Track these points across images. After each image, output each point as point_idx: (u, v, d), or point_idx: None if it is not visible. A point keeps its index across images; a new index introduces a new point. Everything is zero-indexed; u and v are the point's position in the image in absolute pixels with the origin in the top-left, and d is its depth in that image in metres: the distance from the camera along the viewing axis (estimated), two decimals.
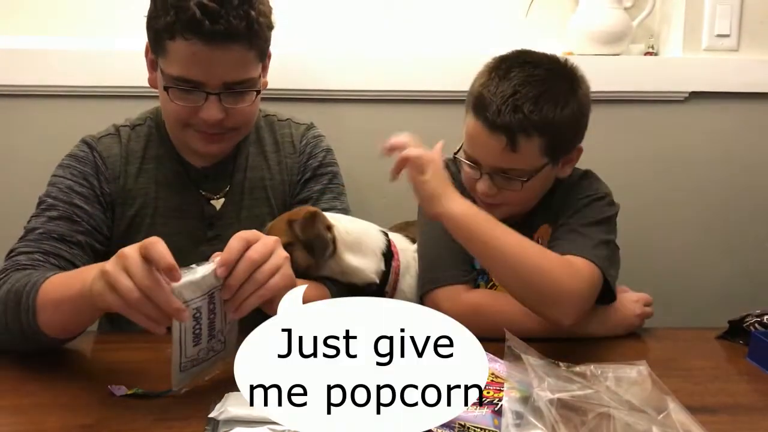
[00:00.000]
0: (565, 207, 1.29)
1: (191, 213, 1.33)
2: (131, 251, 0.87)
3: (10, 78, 1.69)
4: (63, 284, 1.02)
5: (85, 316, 1.04)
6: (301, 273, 1.19)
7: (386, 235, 1.35)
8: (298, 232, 1.21)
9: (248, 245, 0.93)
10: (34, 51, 1.68)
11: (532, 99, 1.17)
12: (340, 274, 1.27)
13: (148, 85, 1.63)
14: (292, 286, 0.89)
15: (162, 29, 1.19)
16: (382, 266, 1.30)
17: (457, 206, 1.12)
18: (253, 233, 0.95)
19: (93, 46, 1.72)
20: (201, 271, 0.90)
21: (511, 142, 1.17)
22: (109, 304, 0.89)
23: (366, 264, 1.28)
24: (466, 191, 1.33)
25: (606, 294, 1.21)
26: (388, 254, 1.32)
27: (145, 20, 1.25)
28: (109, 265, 0.88)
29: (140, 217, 1.32)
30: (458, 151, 1.28)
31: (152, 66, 1.29)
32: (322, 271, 1.25)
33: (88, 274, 0.94)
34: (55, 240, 1.19)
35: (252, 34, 1.19)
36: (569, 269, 1.13)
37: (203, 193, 1.34)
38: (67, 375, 1.05)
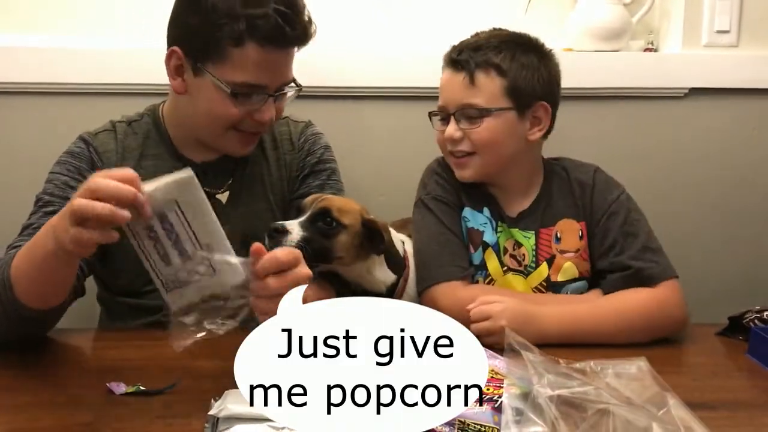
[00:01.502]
0: (595, 205, 1.33)
1: None
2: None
3: (10, 75, 1.68)
4: (28, 248, 1.04)
5: (56, 267, 1.02)
6: (325, 256, 1.19)
7: (402, 243, 1.35)
8: (386, 239, 1.21)
9: (280, 268, 0.93)
10: (34, 49, 1.67)
11: (494, 45, 1.29)
12: (357, 277, 1.26)
13: (148, 82, 1.64)
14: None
15: (226, 36, 1.17)
16: (394, 276, 1.29)
17: (547, 324, 1.17)
18: (294, 259, 0.95)
19: (93, 43, 1.71)
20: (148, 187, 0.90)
21: (470, 74, 1.28)
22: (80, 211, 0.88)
23: (386, 276, 1.28)
24: (454, 188, 1.36)
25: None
26: (403, 264, 1.31)
27: (174, 25, 1.25)
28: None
29: None
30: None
31: (177, 71, 1.26)
32: (346, 269, 1.25)
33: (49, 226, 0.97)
34: None
35: (312, 35, 1.25)
36: (655, 301, 1.22)
37: (207, 189, 1.33)
38: (65, 373, 1.05)
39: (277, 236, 1.14)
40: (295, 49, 1.26)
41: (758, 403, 1.00)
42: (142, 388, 0.95)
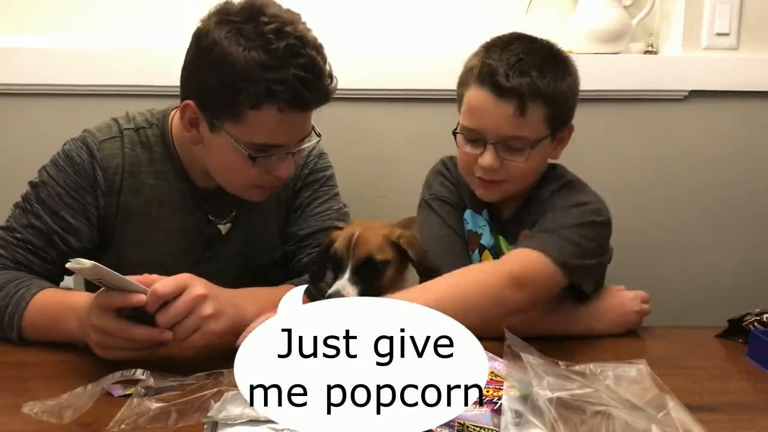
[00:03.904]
0: (545, 212, 1.25)
1: (192, 233, 1.31)
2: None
3: (10, 75, 1.68)
4: (46, 316, 1.12)
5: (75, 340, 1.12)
6: (378, 294, 1.15)
7: None
8: (413, 256, 1.19)
9: (161, 301, 0.98)
10: (34, 49, 1.68)
11: (537, 66, 1.18)
12: (392, 289, 1.22)
13: (148, 83, 1.63)
14: (220, 338, 1.02)
15: (245, 100, 1.12)
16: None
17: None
18: (176, 288, 0.99)
19: (93, 43, 1.71)
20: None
21: (520, 106, 1.17)
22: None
23: (413, 279, 1.27)
24: (458, 189, 1.35)
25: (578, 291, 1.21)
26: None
27: (198, 79, 1.18)
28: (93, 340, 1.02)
29: (139, 234, 1.29)
30: (456, 129, 1.26)
31: (192, 124, 1.20)
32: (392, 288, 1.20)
33: (72, 324, 1.07)
34: (30, 252, 1.22)
35: (332, 93, 1.19)
36: (511, 279, 1.12)
37: (212, 218, 1.32)
38: (65, 374, 1.05)
39: None
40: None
41: (758, 406, 1.00)
42: (141, 389, 0.95)
